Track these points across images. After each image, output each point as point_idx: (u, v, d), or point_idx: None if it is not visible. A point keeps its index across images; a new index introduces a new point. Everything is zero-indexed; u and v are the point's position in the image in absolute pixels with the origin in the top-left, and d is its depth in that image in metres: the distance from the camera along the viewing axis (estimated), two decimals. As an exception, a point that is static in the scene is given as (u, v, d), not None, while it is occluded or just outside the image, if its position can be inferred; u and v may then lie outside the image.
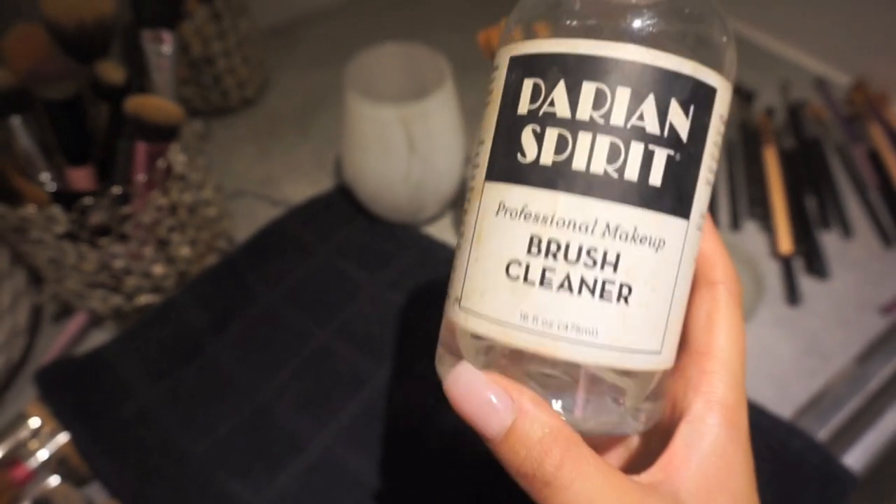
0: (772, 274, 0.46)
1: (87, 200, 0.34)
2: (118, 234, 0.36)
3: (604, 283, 0.16)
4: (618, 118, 0.16)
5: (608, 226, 0.16)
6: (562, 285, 0.16)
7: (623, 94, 0.16)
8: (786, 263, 0.46)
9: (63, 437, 0.35)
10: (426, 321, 0.41)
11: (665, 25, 0.17)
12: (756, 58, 0.66)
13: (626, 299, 0.17)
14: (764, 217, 0.50)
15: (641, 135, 0.16)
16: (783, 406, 0.38)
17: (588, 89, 0.16)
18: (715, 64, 0.18)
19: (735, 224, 0.50)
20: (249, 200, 0.52)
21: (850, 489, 0.33)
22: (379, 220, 0.48)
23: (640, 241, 0.17)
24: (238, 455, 0.35)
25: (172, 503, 0.33)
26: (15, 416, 0.36)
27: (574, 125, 0.16)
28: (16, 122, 0.37)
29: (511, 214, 0.17)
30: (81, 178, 0.39)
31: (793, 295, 0.44)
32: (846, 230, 0.49)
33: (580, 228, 0.16)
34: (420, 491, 0.34)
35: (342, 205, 0.49)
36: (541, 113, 0.17)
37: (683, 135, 0.17)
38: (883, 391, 0.40)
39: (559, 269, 0.16)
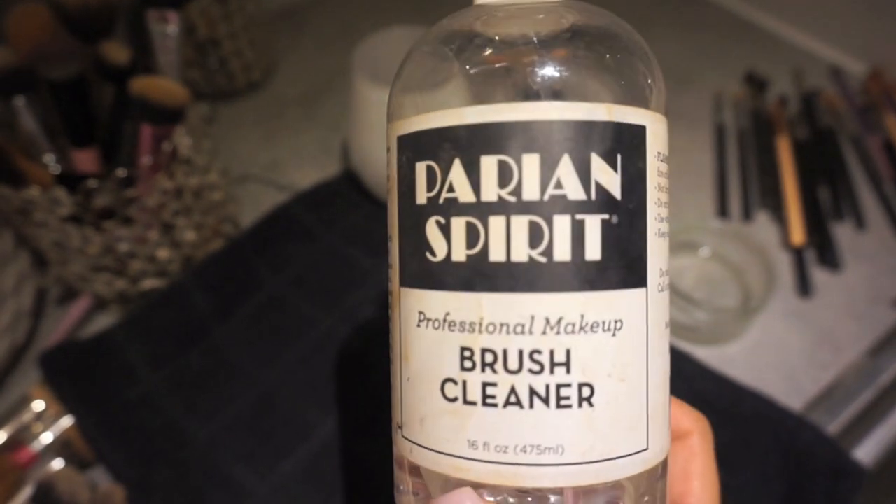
0: (784, 265, 0.45)
1: (92, 183, 0.34)
2: (123, 217, 0.36)
3: (558, 389, 0.14)
4: (531, 192, 0.14)
5: (548, 321, 0.14)
6: (509, 401, 0.14)
7: (531, 162, 0.14)
8: (798, 255, 0.45)
9: (67, 421, 0.35)
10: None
11: (563, 69, 0.14)
12: (769, 45, 0.65)
13: (589, 401, 0.14)
14: (776, 207, 0.49)
15: (564, 205, 0.14)
16: (793, 398, 0.38)
17: (488, 164, 0.14)
18: (637, 98, 0.15)
19: (746, 214, 0.49)
20: (255, 185, 0.51)
21: (860, 484, 0.33)
22: (385, 206, 0.47)
23: (592, 328, 0.14)
24: (243, 440, 0.35)
25: (176, 487, 0.33)
26: (19, 398, 0.36)
27: (482, 210, 0.14)
28: (19, 102, 0.36)
29: (434, 325, 0.15)
30: (85, 160, 0.39)
31: (805, 286, 0.44)
32: (859, 222, 0.48)
33: (515, 330, 0.14)
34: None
35: (349, 191, 0.48)
36: (441, 200, 0.14)
37: (616, 191, 0.14)
38: (895, 385, 0.40)
39: (501, 383, 0.14)
